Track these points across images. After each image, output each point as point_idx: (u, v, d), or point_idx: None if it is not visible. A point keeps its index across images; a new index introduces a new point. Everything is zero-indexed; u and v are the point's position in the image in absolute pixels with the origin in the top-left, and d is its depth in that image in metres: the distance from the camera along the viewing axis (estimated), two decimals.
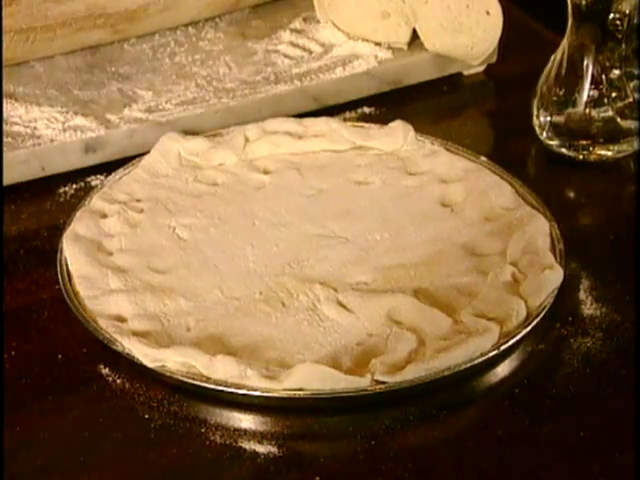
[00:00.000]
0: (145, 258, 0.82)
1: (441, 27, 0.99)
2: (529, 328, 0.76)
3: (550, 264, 0.79)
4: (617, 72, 0.91)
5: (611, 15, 0.90)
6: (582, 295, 0.81)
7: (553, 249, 0.82)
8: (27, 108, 0.94)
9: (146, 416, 0.72)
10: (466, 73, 1.04)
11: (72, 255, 0.81)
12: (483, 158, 0.90)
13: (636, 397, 0.72)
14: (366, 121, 0.96)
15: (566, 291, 0.79)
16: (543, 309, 0.77)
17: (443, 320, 0.76)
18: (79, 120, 0.93)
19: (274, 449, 0.71)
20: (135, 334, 0.75)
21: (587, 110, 0.92)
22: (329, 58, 1.02)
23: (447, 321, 0.76)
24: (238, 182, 0.89)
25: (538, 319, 0.77)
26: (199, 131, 0.93)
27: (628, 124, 0.92)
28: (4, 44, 0.95)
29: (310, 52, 1.03)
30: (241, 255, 0.82)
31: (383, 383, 0.72)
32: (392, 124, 0.93)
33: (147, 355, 0.74)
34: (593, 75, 0.91)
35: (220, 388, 0.72)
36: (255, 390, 0.72)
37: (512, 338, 0.75)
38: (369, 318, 0.77)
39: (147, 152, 0.90)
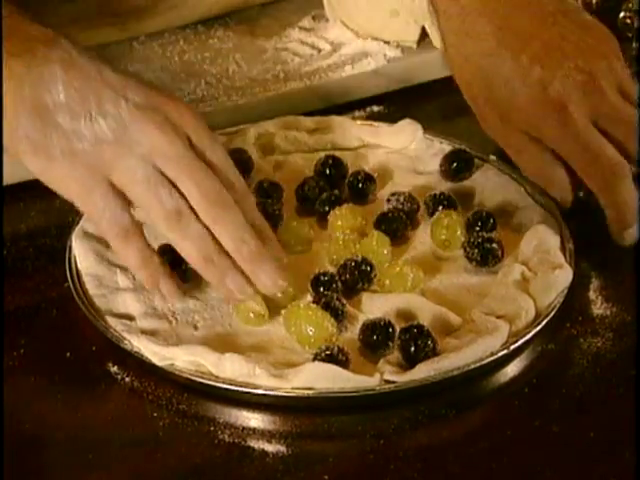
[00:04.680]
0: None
1: None
2: (539, 328, 0.76)
3: (560, 263, 0.79)
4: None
5: (621, 14, 0.90)
6: (592, 295, 0.81)
7: (563, 248, 0.81)
8: None
9: (154, 414, 0.72)
10: None
11: (81, 253, 0.81)
12: (492, 157, 0.90)
13: (637, 397, 0.72)
14: (375, 119, 0.96)
15: (576, 290, 0.79)
16: (553, 309, 0.77)
17: (453, 319, 0.76)
18: None
19: (283, 448, 0.71)
20: (144, 332, 0.75)
21: None
22: (338, 56, 1.01)
23: (457, 320, 0.76)
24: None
25: (548, 319, 0.76)
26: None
27: (638, 123, 0.92)
28: None
29: (319, 50, 1.03)
30: None
31: (392, 383, 0.72)
32: (401, 123, 0.93)
33: (156, 353, 0.74)
34: None
35: (229, 387, 0.72)
36: (264, 389, 0.72)
37: (522, 337, 0.75)
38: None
39: None
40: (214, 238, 0.74)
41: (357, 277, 0.78)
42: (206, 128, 0.76)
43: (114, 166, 0.73)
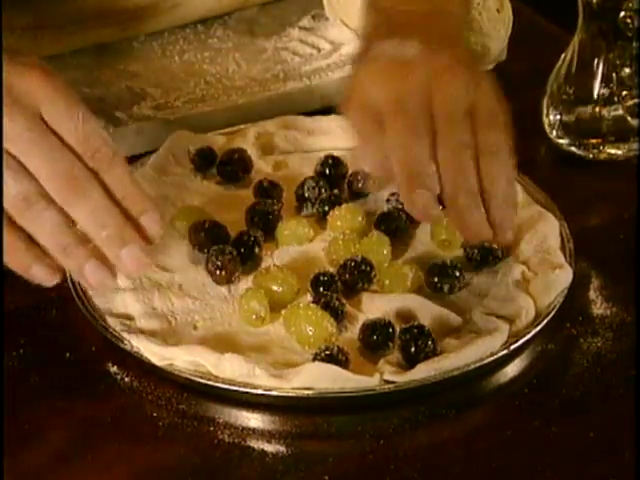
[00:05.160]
0: (153, 256, 0.81)
1: None
2: (539, 328, 0.76)
3: (560, 263, 0.79)
4: (628, 70, 0.91)
5: (622, 13, 0.89)
6: (592, 295, 0.81)
7: (563, 248, 0.81)
8: None
9: (154, 414, 0.72)
10: None
11: None
12: None
13: (636, 397, 0.72)
14: None
15: (576, 290, 0.79)
16: (553, 308, 0.77)
17: (453, 319, 0.76)
18: None
19: (282, 448, 0.71)
20: (143, 332, 0.75)
21: (597, 108, 0.91)
22: (338, 56, 1.01)
23: (457, 320, 0.76)
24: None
25: (548, 319, 0.76)
26: (208, 129, 0.93)
27: (638, 123, 0.92)
28: (14, 42, 0.95)
29: (319, 50, 1.03)
30: None
31: (392, 383, 0.72)
32: None
33: (155, 353, 0.74)
34: (603, 73, 0.91)
35: (228, 387, 0.72)
36: (263, 389, 0.72)
37: (522, 338, 0.75)
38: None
39: (156, 150, 0.90)
40: (72, 223, 0.70)
41: (357, 277, 0.78)
42: (60, 94, 0.69)
43: None
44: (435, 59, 0.77)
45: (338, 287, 0.78)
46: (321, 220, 0.85)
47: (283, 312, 0.76)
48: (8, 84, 0.68)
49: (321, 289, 0.77)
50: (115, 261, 0.71)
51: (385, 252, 0.81)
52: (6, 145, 0.68)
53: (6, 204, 0.69)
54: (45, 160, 0.68)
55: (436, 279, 0.78)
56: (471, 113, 0.75)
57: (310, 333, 0.74)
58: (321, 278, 0.78)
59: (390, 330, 0.74)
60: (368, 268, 0.78)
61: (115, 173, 0.70)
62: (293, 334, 0.75)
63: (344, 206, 0.84)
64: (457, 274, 0.78)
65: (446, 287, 0.78)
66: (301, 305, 0.76)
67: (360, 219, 0.83)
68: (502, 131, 0.76)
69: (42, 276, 0.71)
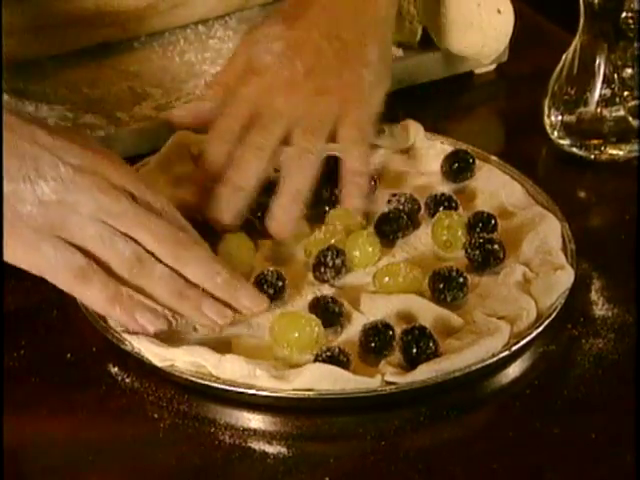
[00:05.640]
0: None
1: (452, 25, 0.99)
2: (540, 329, 0.76)
3: (561, 264, 0.79)
4: (629, 71, 0.91)
5: (623, 14, 0.89)
6: (593, 296, 0.81)
7: (564, 249, 0.81)
8: (37, 106, 0.94)
9: (155, 415, 0.72)
10: (477, 72, 1.03)
11: None
12: (494, 157, 0.90)
13: (637, 398, 0.72)
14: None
15: (577, 291, 0.79)
16: (554, 310, 0.77)
17: (454, 320, 0.76)
18: (89, 118, 0.93)
19: (283, 449, 0.70)
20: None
21: (599, 109, 0.91)
22: None
23: (458, 321, 0.76)
24: None
25: (549, 320, 0.76)
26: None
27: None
28: (14, 42, 0.95)
29: None
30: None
31: (393, 384, 0.72)
32: (402, 123, 0.92)
33: (156, 354, 0.73)
34: (605, 74, 0.91)
35: (229, 388, 0.72)
36: (264, 390, 0.71)
37: (523, 339, 0.75)
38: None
39: (157, 150, 0.90)
40: (181, 275, 0.74)
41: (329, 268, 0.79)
42: (144, 181, 0.77)
43: (63, 225, 0.73)
44: (284, 68, 0.85)
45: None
46: (321, 221, 0.85)
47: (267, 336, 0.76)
48: (102, 171, 0.75)
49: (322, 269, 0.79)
50: (233, 301, 0.75)
51: (370, 250, 0.80)
52: (110, 222, 0.74)
53: (118, 265, 0.74)
54: (151, 230, 0.74)
55: (440, 289, 0.77)
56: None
57: (296, 338, 0.74)
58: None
59: (390, 333, 0.74)
60: (339, 260, 0.78)
61: (205, 247, 0.77)
62: (286, 350, 0.74)
63: (342, 207, 0.84)
64: (462, 286, 0.77)
65: (449, 298, 0.77)
66: (283, 313, 0.75)
67: (359, 219, 0.83)
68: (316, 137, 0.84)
69: (146, 322, 0.74)
